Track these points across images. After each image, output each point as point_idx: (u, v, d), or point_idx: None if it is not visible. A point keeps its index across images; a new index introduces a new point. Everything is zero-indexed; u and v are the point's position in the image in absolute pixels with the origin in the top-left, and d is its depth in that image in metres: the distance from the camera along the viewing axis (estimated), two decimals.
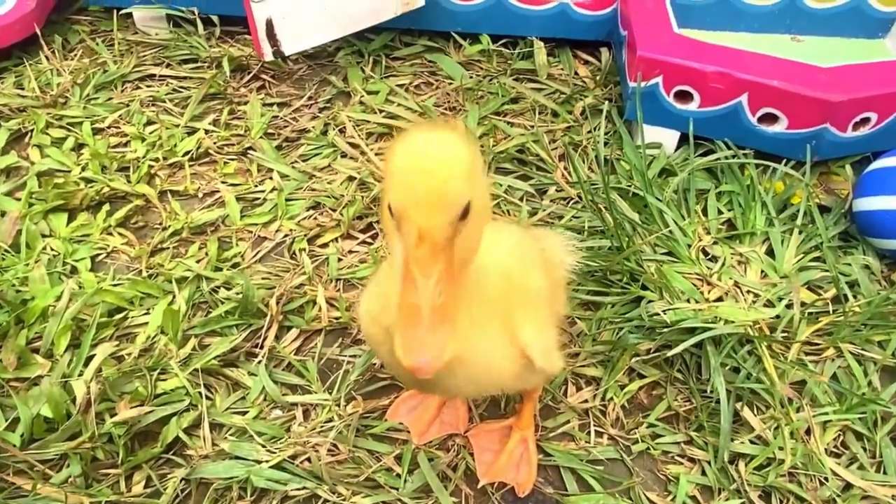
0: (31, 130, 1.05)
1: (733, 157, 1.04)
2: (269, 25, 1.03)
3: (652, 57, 1.02)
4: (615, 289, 0.92)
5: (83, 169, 1.00)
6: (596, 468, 0.77)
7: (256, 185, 1.02)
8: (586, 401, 0.83)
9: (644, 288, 0.91)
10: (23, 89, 1.10)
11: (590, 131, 1.13)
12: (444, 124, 0.52)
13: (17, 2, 1.13)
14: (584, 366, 0.86)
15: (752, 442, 0.79)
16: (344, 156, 1.07)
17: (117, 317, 0.85)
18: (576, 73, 1.23)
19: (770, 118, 1.02)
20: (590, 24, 1.21)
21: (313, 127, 1.10)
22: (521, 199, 1.03)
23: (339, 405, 0.80)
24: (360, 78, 1.18)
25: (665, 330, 0.84)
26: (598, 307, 0.92)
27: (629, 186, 1.02)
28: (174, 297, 0.86)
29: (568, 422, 0.82)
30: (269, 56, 1.06)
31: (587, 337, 0.88)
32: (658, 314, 0.86)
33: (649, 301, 0.90)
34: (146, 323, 0.85)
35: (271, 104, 1.14)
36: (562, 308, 0.72)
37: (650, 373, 0.86)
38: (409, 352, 0.44)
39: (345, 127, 1.10)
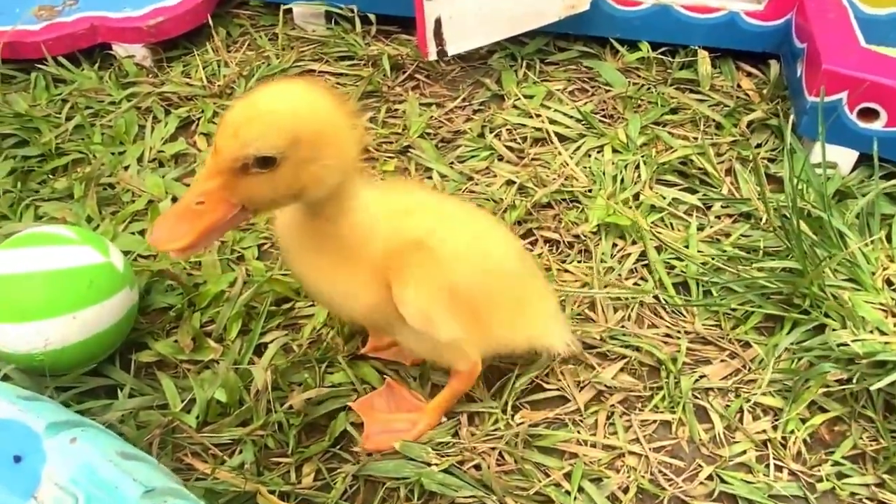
0: (199, 119, 1.08)
1: None
2: (438, 24, 1.02)
3: (838, 71, 0.96)
4: (793, 314, 0.86)
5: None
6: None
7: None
8: (764, 431, 0.78)
9: (826, 315, 0.85)
10: (190, 78, 1.13)
11: (758, 145, 1.08)
12: (314, 85, 0.53)
13: None
14: (759, 394, 0.81)
15: None
16: (501, 159, 1.05)
17: (285, 306, 0.86)
18: (738, 85, 1.17)
19: None
20: (759, 35, 1.15)
21: (469, 129, 1.08)
22: (686, 213, 0.98)
23: (505, 412, 0.78)
24: (514, 81, 1.16)
25: (859, 363, 0.78)
26: (771, 331, 0.87)
27: (804, 206, 0.96)
28: None
29: (745, 452, 0.77)
30: (432, 55, 1.06)
31: (764, 364, 0.83)
32: (847, 345, 0.80)
33: (833, 329, 0.84)
34: (312, 315, 0.85)
35: (426, 104, 1.13)
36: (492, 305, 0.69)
37: (833, 407, 0.80)
38: (153, 227, 0.50)
39: (501, 130, 1.08)
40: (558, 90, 1.15)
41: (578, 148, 1.06)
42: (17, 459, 0.51)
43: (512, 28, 1.09)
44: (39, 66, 1.12)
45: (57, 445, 0.52)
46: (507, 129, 1.09)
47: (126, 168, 1.00)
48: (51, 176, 1.00)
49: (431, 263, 0.62)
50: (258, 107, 0.49)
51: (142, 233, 0.92)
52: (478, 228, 0.69)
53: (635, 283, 0.91)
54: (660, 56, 1.19)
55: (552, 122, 1.09)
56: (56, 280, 0.71)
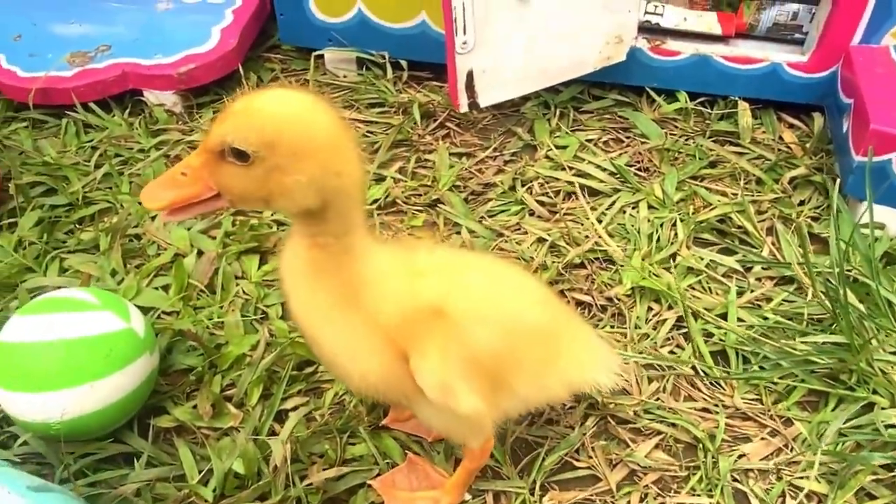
0: None
1: None
2: (469, 77, 1.00)
3: (887, 131, 0.92)
4: (839, 389, 0.82)
5: (273, 213, 1.00)
6: None
7: (443, 241, 0.98)
8: None
9: (874, 392, 0.81)
10: None
11: (801, 202, 1.04)
12: (320, 102, 0.52)
13: (220, 40, 1.16)
14: (803, 477, 0.77)
15: None
16: (532, 214, 1.02)
17: (307, 370, 0.84)
18: (780, 138, 1.13)
19: None
20: (802, 87, 1.11)
21: (500, 181, 1.06)
22: (724, 276, 0.94)
23: (533, 493, 0.74)
24: (546, 131, 1.13)
25: None
26: (815, 407, 0.82)
27: (849, 271, 0.91)
28: None
29: None
30: (464, 107, 1.04)
31: (808, 443, 0.78)
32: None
33: (882, 408, 0.80)
34: (334, 380, 0.83)
35: (456, 154, 1.11)
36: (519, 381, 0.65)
37: (882, 493, 0.75)
38: (144, 191, 0.52)
39: (533, 184, 1.06)
40: (592, 140, 1.12)
41: (613, 204, 1.02)
42: None
43: (547, 80, 1.07)
44: (70, 112, 1.12)
45: None
46: (539, 183, 1.06)
47: (152, 219, 0.99)
48: (78, 226, 0.99)
49: (450, 332, 0.59)
50: (251, 102, 0.51)
51: (166, 288, 0.91)
52: (495, 284, 0.65)
53: (671, 352, 0.87)
54: (698, 107, 1.15)
55: (585, 175, 1.06)
56: (74, 349, 0.70)
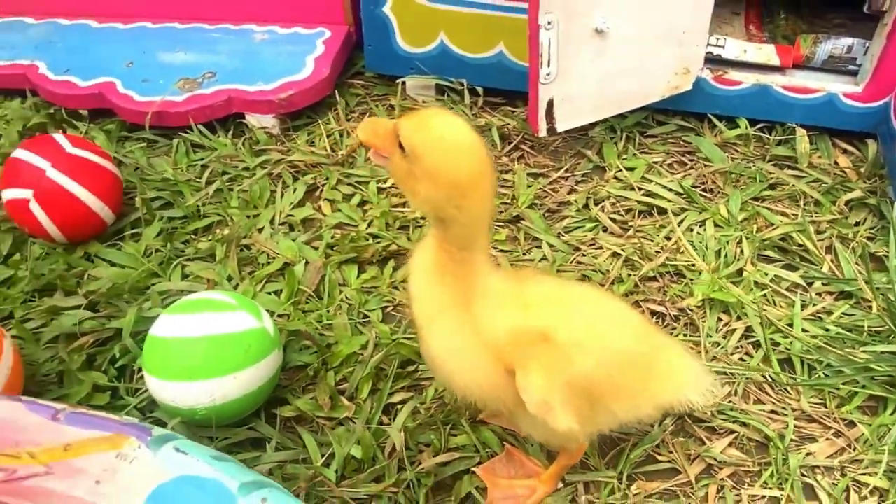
0: (323, 185, 1.17)
1: None
2: (550, 105, 1.09)
3: None
4: None
5: (369, 224, 1.10)
6: None
7: (524, 254, 1.07)
8: None
9: None
10: (314, 146, 1.23)
11: (857, 223, 1.11)
12: (472, 135, 0.62)
13: (314, 68, 1.26)
14: (866, 474, 0.84)
15: None
16: (605, 230, 1.11)
17: (409, 368, 0.93)
18: (835, 163, 1.21)
19: None
20: (857, 115, 1.19)
21: (575, 200, 1.15)
22: (787, 290, 1.02)
23: (621, 482, 0.83)
24: (615, 153, 1.22)
25: None
26: (875, 411, 0.90)
27: None
28: None
29: None
30: (542, 132, 1.13)
31: (870, 444, 0.86)
32: None
33: None
34: (434, 377, 0.92)
35: (531, 174, 1.20)
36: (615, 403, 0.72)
37: None
38: (363, 124, 0.65)
39: (605, 203, 1.14)
40: (658, 163, 1.21)
41: (681, 222, 1.11)
42: None
43: (618, 107, 1.16)
44: (181, 133, 1.23)
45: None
46: (611, 202, 1.14)
47: (260, 230, 1.09)
48: (193, 236, 1.09)
49: (555, 357, 0.66)
50: (427, 117, 0.61)
51: (278, 293, 1.01)
52: (597, 315, 0.72)
53: (741, 359, 0.95)
54: (757, 133, 1.23)
55: (654, 195, 1.15)
56: (221, 343, 0.80)
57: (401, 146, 0.61)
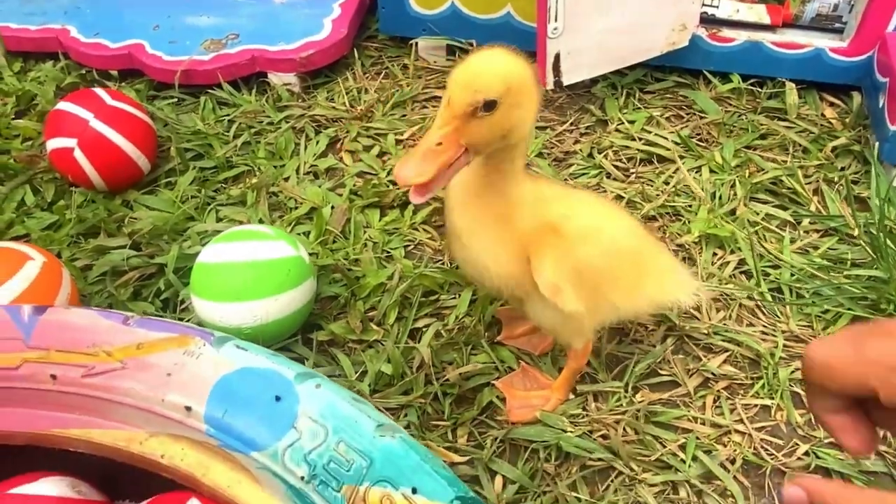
0: (344, 138, 1.24)
1: None
2: (557, 59, 1.17)
3: None
4: (879, 316, 0.97)
5: (388, 173, 1.18)
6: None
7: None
8: None
9: None
10: (335, 103, 1.30)
11: (842, 168, 1.19)
12: (513, 54, 0.64)
13: (332, 29, 1.33)
14: None
15: None
16: (609, 176, 1.19)
17: (431, 297, 1.01)
18: (822, 114, 1.29)
19: None
20: (842, 69, 1.27)
21: (580, 150, 1.23)
22: (778, 227, 1.10)
23: (626, 391, 0.91)
24: (616, 108, 1.30)
25: None
26: None
27: (888, 223, 1.07)
28: (476, 290, 1.01)
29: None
30: (550, 85, 1.20)
31: None
32: None
33: None
34: (455, 305, 1.00)
35: (539, 127, 1.28)
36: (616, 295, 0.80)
37: None
38: (399, 167, 0.62)
39: (608, 151, 1.22)
40: (657, 115, 1.29)
41: (678, 168, 1.19)
42: (278, 399, 0.66)
43: (621, 62, 1.24)
44: (208, 91, 1.30)
45: (306, 390, 0.67)
46: (614, 150, 1.22)
47: (286, 179, 1.17)
48: (224, 185, 1.17)
49: (564, 244, 0.74)
50: (480, 65, 0.63)
51: (306, 234, 1.09)
52: (598, 214, 0.80)
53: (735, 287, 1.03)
54: (749, 87, 1.31)
55: (654, 144, 1.23)
56: (264, 268, 0.88)
57: (488, 107, 0.61)
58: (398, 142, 1.23)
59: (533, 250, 0.74)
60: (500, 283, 0.77)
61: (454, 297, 1.01)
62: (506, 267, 0.75)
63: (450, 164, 0.63)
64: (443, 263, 1.06)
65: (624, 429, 0.88)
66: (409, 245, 1.09)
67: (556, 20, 1.12)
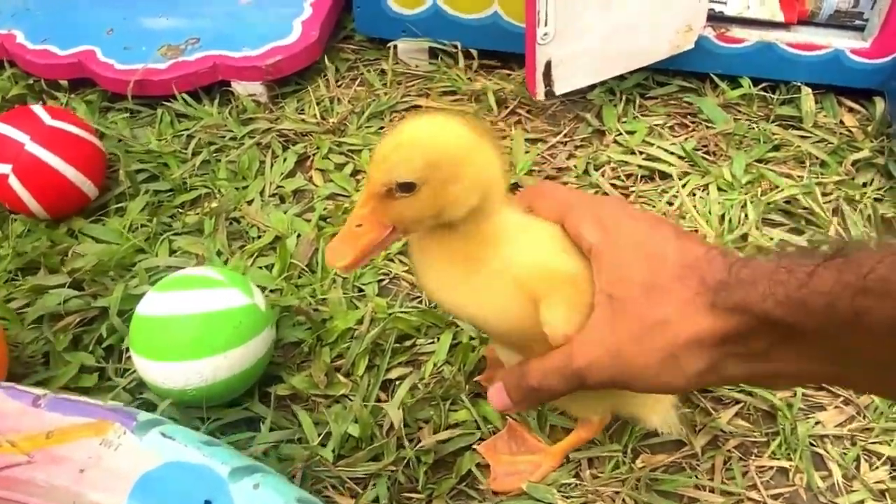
0: (314, 154, 1.13)
1: None
2: (548, 67, 1.05)
3: None
4: None
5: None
6: None
7: None
8: (882, 481, 0.79)
9: None
10: (304, 114, 1.19)
11: (864, 184, 1.08)
12: (452, 117, 0.57)
13: (302, 32, 1.21)
14: (876, 442, 0.82)
15: None
16: (607, 196, 1.07)
17: (406, 343, 0.90)
18: (841, 122, 1.17)
19: None
20: (864, 72, 1.15)
21: (574, 166, 1.11)
22: None
23: (626, 455, 0.81)
24: (614, 116, 1.18)
25: None
26: None
27: None
28: (458, 328, 0.90)
29: (862, 502, 0.78)
30: (540, 95, 1.09)
31: (880, 412, 0.84)
32: None
33: None
34: (432, 352, 0.89)
35: (529, 140, 1.16)
36: None
37: None
38: (327, 248, 0.58)
39: (605, 168, 1.11)
40: (658, 125, 1.17)
41: (684, 186, 1.07)
42: (208, 503, 0.56)
43: (620, 68, 1.12)
44: (164, 102, 1.18)
45: (242, 491, 0.57)
46: (611, 167, 1.11)
47: (250, 202, 1.06)
48: (181, 210, 1.06)
49: (580, 297, 0.61)
50: (400, 138, 0.55)
51: (269, 267, 0.98)
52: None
53: None
54: (761, 92, 1.19)
55: (655, 159, 1.11)
56: (210, 322, 0.77)
57: (405, 188, 0.54)
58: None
59: (542, 295, 0.61)
60: (503, 333, 0.66)
61: (432, 342, 0.90)
62: (504, 315, 0.63)
63: (374, 245, 0.56)
64: (420, 301, 0.95)
65: (623, 500, 0.78)
66: (383, 279, 0.98)
67: (546, 24, 1.00)
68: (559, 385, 0.60)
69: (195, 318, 0.77)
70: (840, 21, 1.19)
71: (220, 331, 0.77)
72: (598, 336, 0.57)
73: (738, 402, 0.86)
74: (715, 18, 1.19)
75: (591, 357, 0.57)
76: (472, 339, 0.89)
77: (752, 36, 1.17)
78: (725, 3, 1.19)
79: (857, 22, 1.18)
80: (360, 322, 0.90)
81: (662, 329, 0.53)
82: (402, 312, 0.92)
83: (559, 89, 1.09)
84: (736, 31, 1.18)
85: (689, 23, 1.11)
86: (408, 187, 0.54)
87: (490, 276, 0.62)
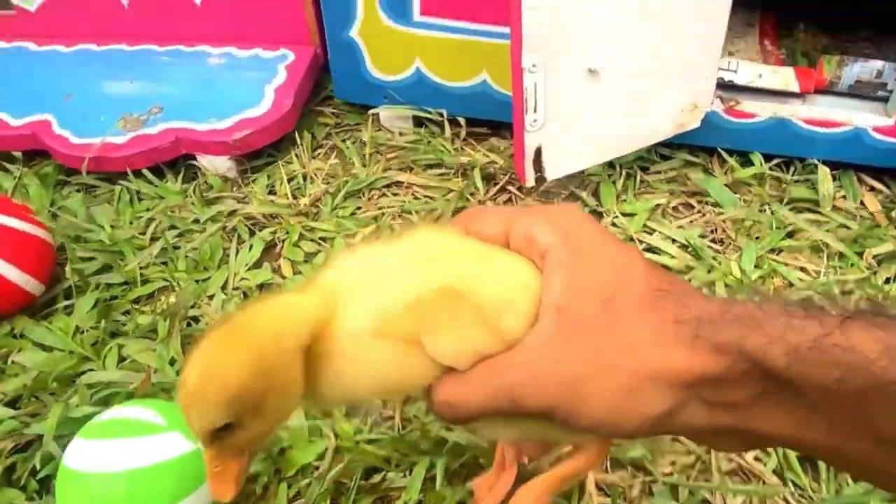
0: (283, 241, 1.03)
1: None
2: (538, 153, 0.96)
3: None
4: None
5: None
6: None
7: None
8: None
9: None
10: (275, 194, 1.09)
11: (887, 280, 0.98)
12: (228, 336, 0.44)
13: (274, 101, 1.12)
14: None
15: None
16: None
17: (375, 478, 0.80)
18: (861, 203, 1.07)
19: None
20: (887, 151, 1.05)
21: None
22: None
23: None
24: (613, 195, 1.08)
25: None
26: None
27: None
28: (434, 462, 0.80)
29: None
30: (530, 182, 0.99)
31: None
32: None
33: None
34: (404, 486, 0.80)
35: None
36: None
37: None
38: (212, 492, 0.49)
39: None
40: (661, 206, 1.07)
41: (688, 282, 0.97)
42: None
43: (617, 150, 1.02)
44: (122, 180, 1.09)
45: None
46: None
47: (210, 298, 0.97)
48: (135, 306, 0.97)
49: (464, 309, 0.47)
50: (192, 385, 0.45)
51: None
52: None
53: (755, 458, 0.83)
54: (773, 170, 1.09)
55: (656, 250, 1.01)
56: (149, 477, 0.67)
57: (225, 429, 0.45)
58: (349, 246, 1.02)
59: (421, 327, 0.47)
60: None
61: (404, 475, 0.80)
62: (399, 376, 0.48)
63: (242, 471, 0.48)
64: (392, 426, 0.85)
65: None
66: None
67: (535, 111, 0.91)
68: (478, 401, 0.46)
69: (130, 475, 0.67)
70: (861, 91, 1.09)
71: (158, 487, 0.68)
72: (536, 354, 0.45)
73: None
74: (724, 87, 1.10)
75: (527, 374, 0.44)
76: (447, 472, 0.79)
77: (764, 110, 1.07)
78: (736, 72, 1.09)
79: (880, 93, 1.08)
80: (321, 457, 0.80)
81: (626, 353, 0.42)
82: (370, 441, 0.82)
83: (551, 175, 1.00)
84: (746, 105, 1.08)
85: (695, 101, 1.01)
86: (226, 427, 0.45)
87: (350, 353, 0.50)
